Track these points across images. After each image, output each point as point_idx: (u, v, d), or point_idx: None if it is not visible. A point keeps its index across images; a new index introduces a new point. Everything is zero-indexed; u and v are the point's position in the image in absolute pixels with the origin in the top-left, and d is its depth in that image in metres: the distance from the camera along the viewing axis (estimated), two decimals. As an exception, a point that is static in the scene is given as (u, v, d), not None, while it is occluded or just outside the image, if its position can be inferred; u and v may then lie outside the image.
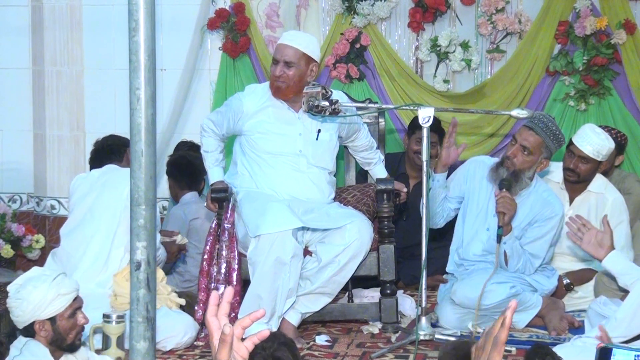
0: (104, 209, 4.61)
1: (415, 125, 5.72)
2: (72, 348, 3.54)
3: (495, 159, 4.86)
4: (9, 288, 3.54)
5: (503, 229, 4.57)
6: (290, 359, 2.90)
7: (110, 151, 4.88)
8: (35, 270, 3.62)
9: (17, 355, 3.43)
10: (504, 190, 4.59)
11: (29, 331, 3.49)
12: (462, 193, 4.91)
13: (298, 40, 4.75)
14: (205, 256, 4.60)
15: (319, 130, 4.78)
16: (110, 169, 4.76)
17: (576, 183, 5.15)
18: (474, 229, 4.86)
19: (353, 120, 4.91)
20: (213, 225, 4.65)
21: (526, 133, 4.67)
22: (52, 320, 3.47)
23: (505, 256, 4.70)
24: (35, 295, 3.43)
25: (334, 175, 4.95)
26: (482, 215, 4.82)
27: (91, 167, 4.90)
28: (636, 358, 1.70)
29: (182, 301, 4.58)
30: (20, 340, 3.51)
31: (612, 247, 4.04)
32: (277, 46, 4.80)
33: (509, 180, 4.64)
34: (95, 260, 4.55)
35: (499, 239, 4.56)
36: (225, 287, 4.53)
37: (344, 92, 5.07)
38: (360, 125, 4.99)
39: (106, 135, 5.03)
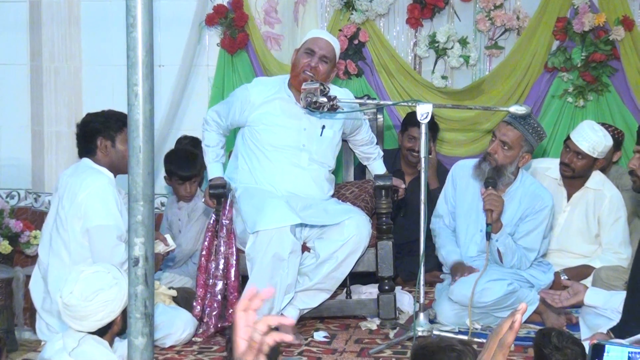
0: (63, 220, 4.36)
1: (407, 123, 5.75)
2: (124, 331, 3.53)
3: (477, 160, 4.87)
4: (69, 299, 3.44)
5: (492, 226, 4.59)
6: None
7: (96, 133, 4.45)
8: (88, 270, 3.55)
9: (76, 347, 3.43)
10: (490, 187, 4.61)
11: (102, 330, 3.49)
12: (454, 202, 4.94)
13: (333, 40, 4.83)
14: (204, 252, 4.60)
15: (324, 127, 4.79)
16: (79, 169, 4.44)
17: (571, 178, 5.16)
18: (467, 231, 4.87)
19: (356, 116, 4.92)
20: (211, 221, 4.65)
21: (505, 128, 4.69)
22: (124, 310, 3.44)
23: (499, 254, 4.72)
24: (124, 290, 3.34)
25: (333, 173, 4.95)
26: (473, 216, 4.83)
27: (79, 152, 4.56)
28: (630, 355, 1.70)
29: (173, 292, 4.58)
30: (74, 332, 3.49)
31: (585, 287, 4.17)
32: (313, 39, 4.75)
33: (493, 178, 4.66)
34: (58, 276, 4.24)
35: (488, 236, 4.58)
36: (223, 283, 4.54)
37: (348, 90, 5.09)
38: (362, 121, 5.01)
39: (102, 111, 4.56)
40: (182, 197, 5.47)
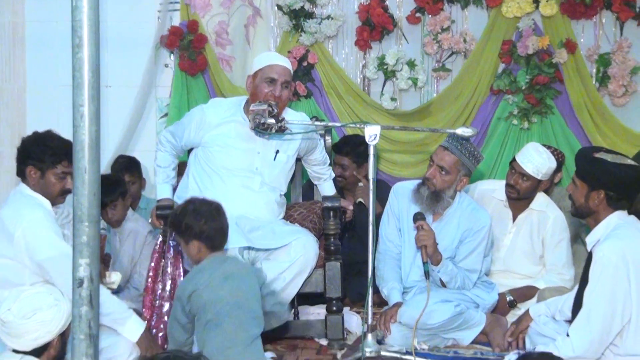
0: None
1: (334, 149, 5.72)
2: (63, 356, 3.52)
3: (418, 181, 4.88)
4: (6, 316, 3.41)
5: (431, 261, 4.60)
6: None
7: (28, 159, 4.23)
8: (30, 290, 3.51)
9: None
10: (418, 222, 4.63)
11: (40, 349, 3.44)
12: (398, 225, 4.95)
13: (287, 62, 4.83)
14: (151, 273, 4.56)
15: (277, 151, 4.79)
16: (15, 198, 4.25)
17: (516, 200, 5.21)
18: (411, 256, 4.88)
19: (312, 137, 4.93)
20: (158, 242, 4.62)
21: (442, 153, 4.72)
22: (63, 334, 3.45)
23: (442, 282, 4.74)
24: (63, 312, 3.38)
25: (285, 196, 4.95)
26: (414, 240, 4.78)
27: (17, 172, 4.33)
28: None
29: None
30: (12, 354, 3.44)
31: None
32: (271, 66, 4.72)
33: (420, 213, 4.68)
34: None
35: (427, 275, 4.52)
36: (169, 305, 4.50)
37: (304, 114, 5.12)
38: (317, 142, 5.03)
39: (45, 136, 4.32)
40: (107, 222, 5.41)
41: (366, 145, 5.57)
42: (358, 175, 5.74)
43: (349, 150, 5.69)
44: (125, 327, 4.23)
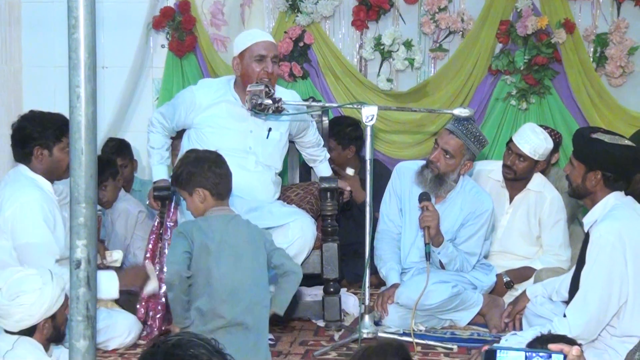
0: None
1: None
2: (61, 338, 3.51)
3: (421, 162, 4.88)
4: None
5: (432, 242, 4.60)
6: None
7: (32, 141, 4.26)
8: (24, 272, 3.50)
9: (10, 350, 3.37)
10: (423, 202, 4.62)
11: (28, 331, 3.44)
12: (399, 206, 4.95)
13: (270, 36, 4.85)
14: (148, 254, 4.56)
15: (270, 129, 4.78)
16: (13, 179, 4.26)
17: (513, 180, 5.22)
18: (411, 237, 4.88)
19: (303, 118, 4.92)
20: (155, 224, 4.62)
21: (447, 137, 4.71)
22: (53, 316, 3.43)
23: (441, 264, 4.74)
24: (46, 296, 3.38)
25: (279, 174, 4.95)
26: (415, 222, 4.79)
27: (14, 155, 4.36)
28: (527, 356, 1.77)
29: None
30: (8, 335, 3.44)
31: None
32: (257, 44, 4.68)
33: (426, 193, 4.68)
34: None
35: (428, 256, 4.55)
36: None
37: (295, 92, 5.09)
38: (309, 123, 5.01)
39: (39, 115, 4.34)
40: (98, 203, 5.39)
41: (353, 128, 5.64)
42: (338, 168, 5.68)
43: (335, 131, 5.67)
44: (101, 293, 4.21)
